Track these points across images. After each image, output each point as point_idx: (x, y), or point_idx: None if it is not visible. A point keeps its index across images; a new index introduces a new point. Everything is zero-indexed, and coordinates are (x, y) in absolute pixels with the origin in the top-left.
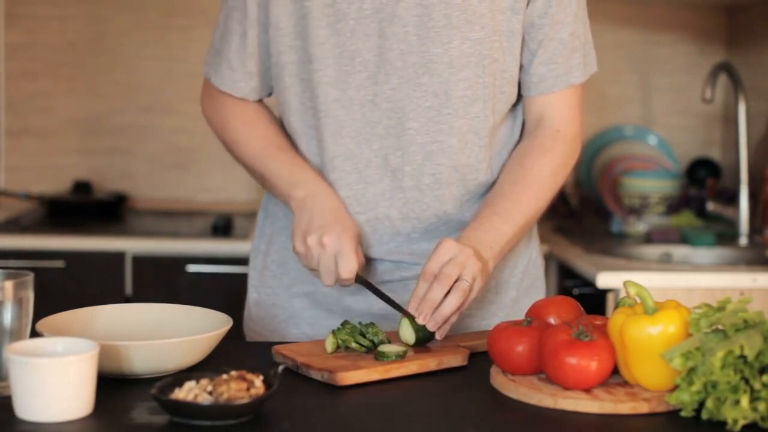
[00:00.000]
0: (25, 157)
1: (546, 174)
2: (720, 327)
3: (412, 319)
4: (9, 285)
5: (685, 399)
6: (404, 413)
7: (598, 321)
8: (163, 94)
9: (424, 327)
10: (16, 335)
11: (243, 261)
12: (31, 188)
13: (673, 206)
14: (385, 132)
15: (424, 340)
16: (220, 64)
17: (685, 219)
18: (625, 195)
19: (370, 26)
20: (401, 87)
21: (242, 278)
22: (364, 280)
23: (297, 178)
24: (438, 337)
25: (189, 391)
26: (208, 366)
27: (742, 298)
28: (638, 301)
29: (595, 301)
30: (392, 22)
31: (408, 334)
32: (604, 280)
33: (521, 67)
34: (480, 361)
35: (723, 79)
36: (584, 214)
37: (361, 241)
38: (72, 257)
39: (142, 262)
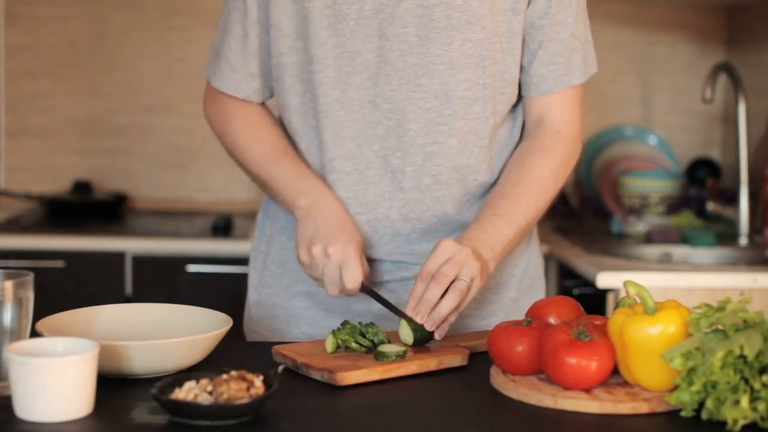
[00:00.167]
0: (25, 157)
1: (546, 175)
2: (720, 327)
3: (411, 319)
4: (9, 285)
5: (685, 399)
6: (404, 413)
7: (598, 321)
8: (163, 94)
9: (422, 327)
10: (16, 335)
11: (243, 261)
12: (31, 188)
13: (673, 206)
14: (385, 133)
15: (423, 340)
16: (222, 66)
17: (685, 219)
18: (625, 195)
19: (371, 27)
20: (401, 88)
21: (242, 278)
22: (368, 290)
23: (300, 186)
24: (437, 337)
25: (189, 391)
26: (208, 366)
27: (742, 298)
28: (638, 301)
29: (595, 301)
30: (392, 23)
31: (407, 334)
32: (604, 280)
33: (521, 68)
34: (480, 361)
35: (723, 79)
36: (584, 214)
37: (365, 249)
38: (72, 257)
39: (142, 262)
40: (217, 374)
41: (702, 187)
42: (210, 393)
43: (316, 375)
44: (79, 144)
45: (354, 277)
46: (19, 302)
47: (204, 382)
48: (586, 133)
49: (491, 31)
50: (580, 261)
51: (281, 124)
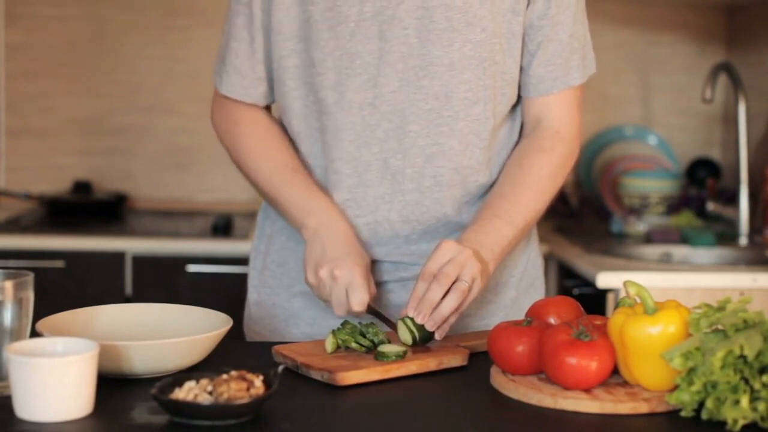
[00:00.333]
0: (25, 157)
1: (545, 175)
2: (720, 327)
3: (411, 319)
4: (9, 285)
5: (685, 399)
6: (404, 413)
7: (598, 321)
8: (163, 94)
9: (423, 327)
10: (16, 335)
11: (243, 261)
12: (31, 188)
13: (673, 206)
14: (384, 135)
15: (424, 340)
16: (229, 72)
17: (685, 219)
18: (625, 195)
19: (371, 29)
20: (401, 90)
21: (242, 278)
22: (375, 311)
23: (308, 205)
24: (437, 337)
25: (189, 391)
26: (208, 366)
27: (742, 298)
28: (638, 301)
29: (595, 301)
30: (392, 25)
31: (406, 335)
32: (604, 280)
33: (520, 69)
34: (480, 361)
35: (723, 79)
36: (584, 214)
37: (373, 271)
38: (72, 257)
39: (142, 262)
40: (217, 374)
41: (702, 187)
42: (210, 393)
43: (316, 375)
44: (79, 144)
45: (360, 299)
46: (19, 302)
47: (204, 382)
48: (586, 133)
49: (491, 32)
50: (580, 261)
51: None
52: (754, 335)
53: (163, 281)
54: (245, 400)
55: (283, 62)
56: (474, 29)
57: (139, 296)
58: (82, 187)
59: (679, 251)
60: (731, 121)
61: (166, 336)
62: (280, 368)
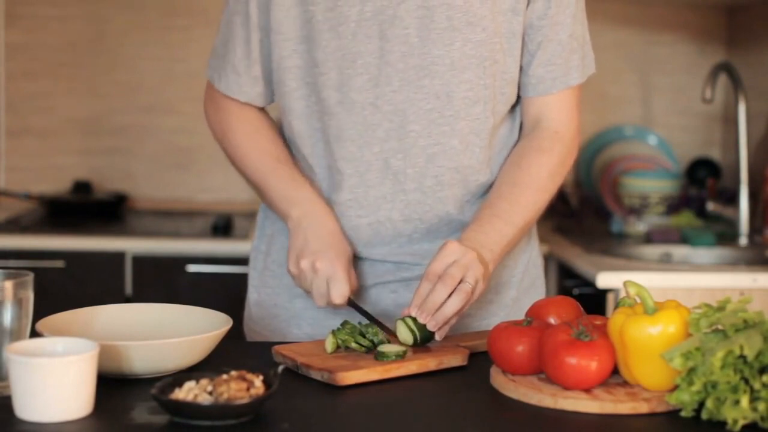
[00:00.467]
0: (25, 157)
1: (544, 175)
2: (720, 327)
3: (413, 319)
4: (9, 285)
5: (685, 399)
6: (404, 413)
7: (598, 321)
8: (163, 94)
9: (423, 327)
10: (16, 335)
11: (243, 261)
12: (31, 188)
13: (673, 206)
14: (386, 135)
15: (424, 340)
16: (226, 69)
17: (685, 219)
18: (625, 195)
19: (371, 28)
20: (402, 89)
21: (242, 278)
22: (355, 304)
23: (294, 195)
24: (438, 337)
25: (189, 391)
26: (208, 366)
27: (742, 298)
28: (638, 301)
29: (595, 301)
30: (393, 24)
31: (405, 335)
32: (604, 280)
33: (520, 69)
34: (480, 361)
35: (723, 79)
36: (584, 214)
37: (357, 250)
38: (72, 257)
39: (142, 262)
40: (217, 374)
41: (702, 187)
42: (210, 393)
43: (316, 375)
44: (79, 144)
45: (341, 292)
46: (19, 302)
47: (204, 382)
48: (586, 133)
49: (492, 31)
50: (580, 261)
51: (281, 129)
52: (754, 335)
53: (163, 281)
54: (245, 400)
55: (283, 63)
56: (474, 29)
57: (139, 296)
58: (82, 187)
59: (679, 251)
60: (731, 121)
61: (166, 336)
62: (280, 368)
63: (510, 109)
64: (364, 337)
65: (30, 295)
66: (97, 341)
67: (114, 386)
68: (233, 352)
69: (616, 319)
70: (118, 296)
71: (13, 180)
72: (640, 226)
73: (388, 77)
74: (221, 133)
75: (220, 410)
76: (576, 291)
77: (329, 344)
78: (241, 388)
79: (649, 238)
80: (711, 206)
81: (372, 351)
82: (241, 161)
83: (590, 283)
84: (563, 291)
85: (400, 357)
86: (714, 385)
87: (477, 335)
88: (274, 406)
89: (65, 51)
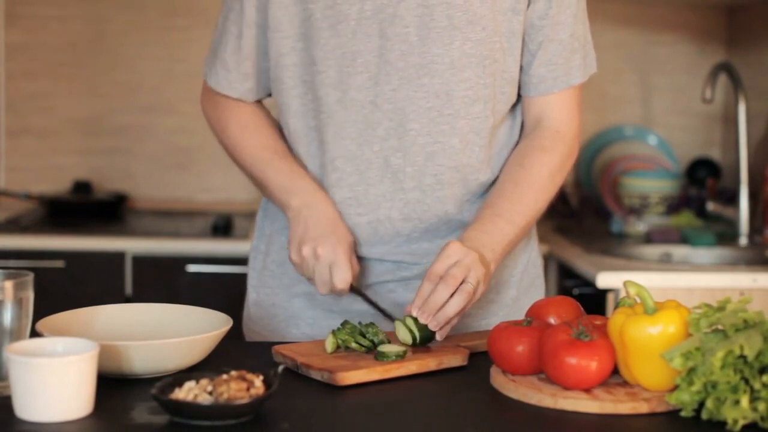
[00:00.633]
0: (25, 157)
1: (545, 175)
2: (720, 327)
3: (414, 319)
4: (9, 285)
5: (685, 399)
6: (404, 413)
7: (598, 321)
8: (163, 94)
9: (424, 327)
10: (16, 335)
11: (243, 261)
12: (31, 188)
13: (673, 206)
14: (385, 133)
15: (424, 340)
16: (216, 65)
17: (685, 219)
18: (625, 195)
19: (371, 27)
20: (402, 88)
21: (242, 278)
22: (358, 290)
23: (293, 186)
24: (438, 337)
25: (189, 391)
26: (208, 366)
27: (742, 298)
28: (638, 301)
29: (595, 301)
30: (393, 23)
31: (404, 335)
32: (604, 280)
33: (521, 68)
34: (480, 361)
35: (723, 79)
36: (584, 214)
37: (356, 249)
38: (72, 257)
39: (142, 262)
40: (217, 374)
41: (702, 187)
42: (210, 393)
43: (316, 375)
44: (79, 144)
45: (343, 277)
46: (19, 302)
47: (204, 382)
48: (587, 132)
49: (492, 30)
50: (580, 261)
51: (279, 127)
52: (754, 335)
53: (163, 281)
54: (245, 400)
55: (281, 60)
56: (474, 27)
57: (139, 296)
58: (82, 187)
59: (679, 251)
60: (731, 121)
61: (166, 336)
62: (280, 368)
63: (510, 109)
64: (364, 337)
65: (30, 295)
66: (97, 341)
67: (114, 386)
68: (233, 352)
69: (616, 319)
70: (118, 296)
71: (13, 180)
72: (640, 226)
73: (387, 76)
74: (219, 129)
75: (220, 410)
76: (576, 291)
77: (329, 344)
78: (241, 388)
79: (649, 238)
80: (711, 206)
81: (372, 351)
82: (239, 155)
83: (590, 283)
84: (563, 291)
85: (400, 357)
86: (714, 385)
87: (477, 335)
88: (274, 406)
89: (65, 51)
